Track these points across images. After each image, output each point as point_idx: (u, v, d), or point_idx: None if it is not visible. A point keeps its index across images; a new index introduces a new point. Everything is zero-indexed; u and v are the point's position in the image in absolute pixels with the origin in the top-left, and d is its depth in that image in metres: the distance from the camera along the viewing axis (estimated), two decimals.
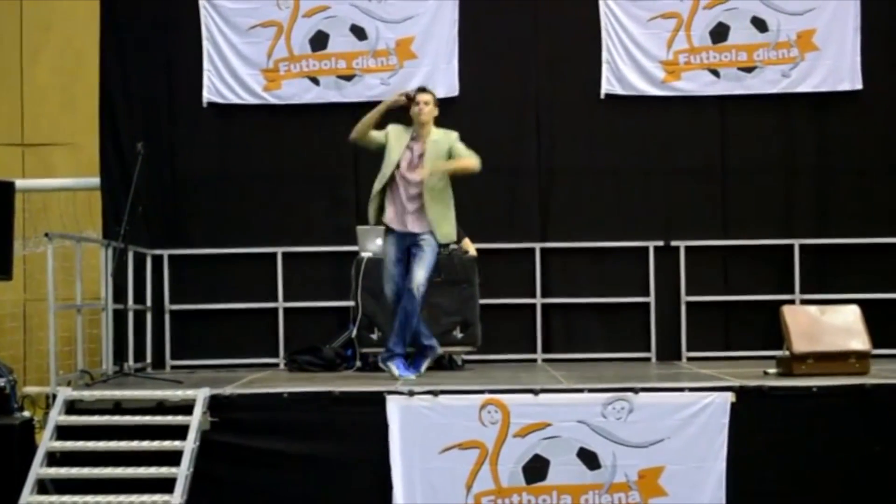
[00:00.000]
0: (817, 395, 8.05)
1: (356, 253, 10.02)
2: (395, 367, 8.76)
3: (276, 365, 10.74)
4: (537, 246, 10.92)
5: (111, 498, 7.55)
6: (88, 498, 7.56)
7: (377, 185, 8.84)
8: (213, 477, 7.92)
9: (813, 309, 8.96)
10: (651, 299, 10.86)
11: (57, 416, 7.98)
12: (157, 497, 7.53)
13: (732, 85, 10.97)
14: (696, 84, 10.98)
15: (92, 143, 11.13)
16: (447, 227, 8.82)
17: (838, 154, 10.98)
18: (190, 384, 8.52)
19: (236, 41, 11.01)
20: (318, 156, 11.03)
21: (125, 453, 7.80)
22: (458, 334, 9.84)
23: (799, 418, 8.01)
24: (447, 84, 10.73)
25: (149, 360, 10.67)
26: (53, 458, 7.86)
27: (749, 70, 10.95)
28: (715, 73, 10.98)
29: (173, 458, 7.71)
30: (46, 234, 8.72)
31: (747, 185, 10.98)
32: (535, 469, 7.96)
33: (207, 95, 11.03)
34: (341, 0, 11.00)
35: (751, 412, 7.98)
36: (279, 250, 10.89)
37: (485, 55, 10.98)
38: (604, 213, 10.97)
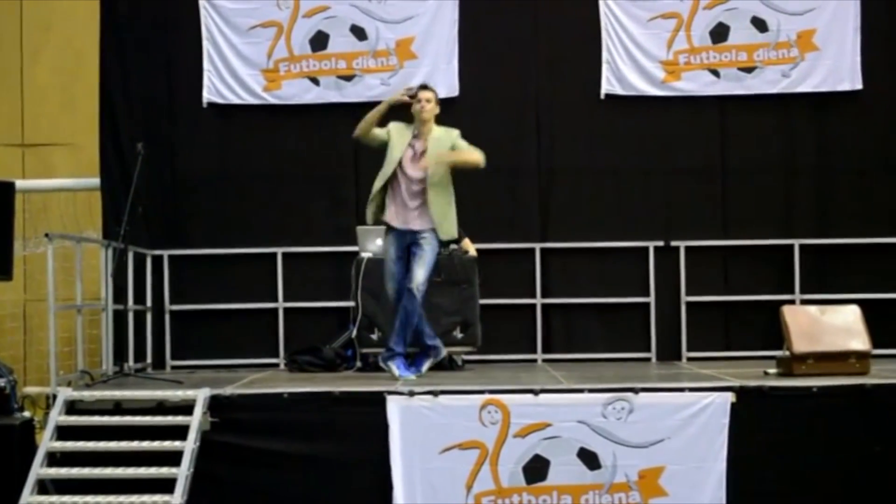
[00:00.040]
0: (817, 396, 8.05)
1: (356, 253, 10.03)
2: (396, 367, 8.77)
3: (277, 365, 10.74)
4: (537, 246, 10.93)
5: (111, 498, 7.55)
6: (89, 498, 7.56)
7: (378, 183, 8.84)
8: (213, 477, 7.92)
9: (813, 309, 8.96)
10: (651, 299, 10.86)
11: (57, 417, 7.98)
12: (157, 497, 7.53)
13: (732, 85, 10.97)
14: (696, 84, 10.98)
15: (92, 143, 11.12)
16: (449, 224, 8.83)
17: (838, 154, 10.98)
18: (190, 384, 8.53)
19: (236, 41, 11.01)
20: (318, 156, 11.03)
21: (125, 453, 7.80)
22: (458, 334, 9.84)
23: (799, 418, 8.01)
24: (447, 84, 10.73)
25: (149, 360, 10.67)
26: (54, 459, 7.86)
27: (749, 70, 10.95)
28: (715, 73, 10.98)
29: (173, 458, 7.71)
30: (46, 235, 8.72)
31: (747, 186, 10.98)
32: (536, 469, 7.96)
33: (207, 95, 11.03)
34: (341, 0, 11.00)
35: (751, 412, 7.98)
36: (279, 250, 10.89)
37: (485, 55, 10.98)
38: (604, 214, 10.97)
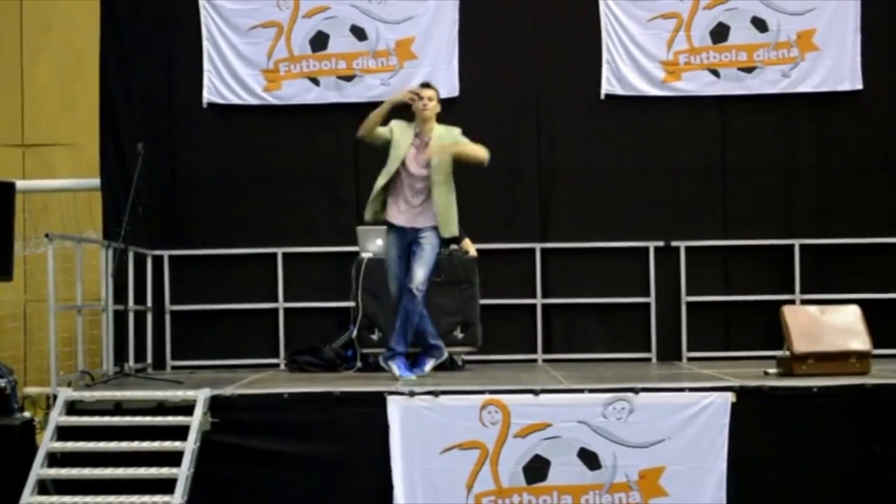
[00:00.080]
0: (818, 396, 8.05)
1: (357, 253, 10.03)
2: (396, 367, 8.77)
3: (277, 365, 10.74)
4: (537, 246, 10.93)
5: (112, 499, 7.55)
6: (89, 499, 7.56)
7: (382, 180, 8.84)
8: (213, 477, 7.91)
9: (813, 309, 8.96)
10: (651, 299, 10.86)
11: (57, 417, 7.97)
12: (157, 498, 7.53)
13: (732, 85, 10.97)
14: (696, 84, 10.98)
15: (92, 143, 11.13)
16: (451, 222, 8.84)
17: (838, 154, 10.98)
18: (190, 385, 8.52)
19: (236, 41, 11.01)
20: (318, 156, 11.03)
21: (126, 454, 7.80)
22: (458, 334, 9.85)
23: (799, 418, 8.01)
24: (447, 84, 10.71)
25: (149, 360, 10.68)
26: (54, 459, 7.86)
27: (749, 70, 10.95)
28: (715, 73, 10.98)
29: (174, 458, 7.70)
30: (47, 235, 8.72)
31: (747, 186, 10.99)
32: (536, 469, 7.96)
33: (207, 96, 11.03)
34: (341, 1, 11.00)
35: (751, 412, 7.98)
36: (279, 251, 10.89)
37: (485, 56, 10.98)
38: (604, 214, 10.97)
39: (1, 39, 11.91)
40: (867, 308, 8.93)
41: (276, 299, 10.89)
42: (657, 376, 9.55)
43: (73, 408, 8.11)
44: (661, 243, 10.90)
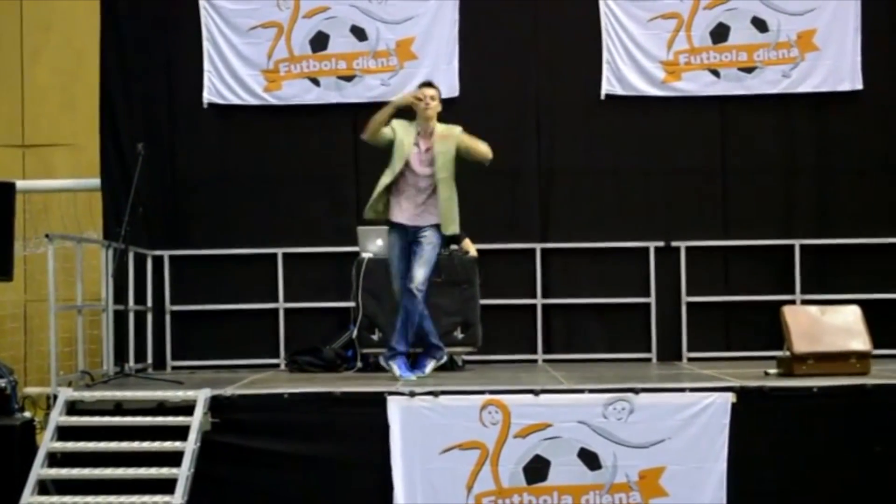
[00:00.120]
0: (818, 396, 8.05)
1: (357, 253, 10.03)
2: (397, 367, 8.78)
3: (277, 366, 10.74)
4: (538, 246, 10.93)
5: (112, 499, 7.55)
6: (89, 499, 7.56)
7: (386, 180, 8.83)
8: (213, 478, 7.91)
9: (813, 309, 8.96)
10: (652, 300, 10.86)
11: (58, 417, 7.98)
12: (157, 498, 7.53)
13: (733, 85, 10.97)
14: (696, 84, 10.98)
15: (92, 143, 11.13)
16: (454, 220, 8.85)
17: (838, 154, 10.98)
18: (191, 385, 8.52)
19: (237, 42, 11.01)
20: (318, 156, 11.03)
21: (126, 454, 7.80)
22: (458, 335, 9.85)
23: (799, 419, 8.01)
24: (447, 85, 10.69)
25: (149, 360, 10.68)
26: (54, 459, 7.86)
27: (749, 70, 10.95)
28: (715, 73, 10.98)
29: (174, 458, 7.70)
30: (47, 235, 8.72)
31: (748, 186, 10.99)
32: (536, 469, 7.96)
33: (208, 96, 11.03)
34: (341, 1, 11.00)
35: (751, 413, 7.98)
36: (280, 251, 10.89)
37: (485, 56, 10.98)
38: (604, 214, 10.97)
39: (1, 39, 11.91)
40: (867, 308, 8.93)
41: (276, 299, 10.89)
42: (657, 376, 9.55)
43: (73, 408, 8.11)
44: (661, 243, 10.90)
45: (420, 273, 8.73)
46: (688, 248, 10.85)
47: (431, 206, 8.84)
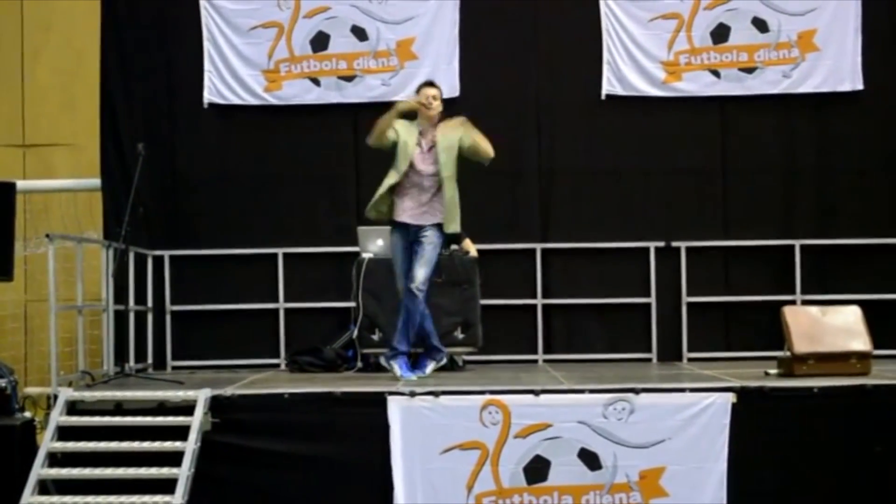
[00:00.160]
0: (818, 396, 8.05)
1: (357, 253, 10.03)
2: (398, 367, 8.78)
3: (277, 366, 10.74)
4: (538, 246, 10.93)
5: (112, 499, 7.55)
6: (90, 499, 7.57)
7: (392, 180, 8.83)
8: (214, 478, 7.91)
9: (814, 309, 8.96)
10: (652, 300, 10.86)
11: (58, 417, 7.98)
12: (158, 498, 7.53)
13: (733, 85, 10.97)
14: (696, 85, 10.98)
15: (93, 143, 11.13)
16: (455, 218, 8.86)
17: (839, 154, 10.98)
18: (191, 385, 8.53)
19: (237, 42, 11.02)
20: (318, 156, 11.03)
21: (126, 454, 7.80)
22: (459, 335, 9.85)
23: (800, 419, 8.01)
24: (448, 85, 10.69)
25: (150, 360, 10.68)
26: (55, 459, 7.86)
27: (750, 71, 10.95)
28: (716, 73, 10.98)
29: (174, 458, 7.71)
30: (47, 235, 8.72)
31: (748, 186, 10.99)
32: (536, 470, 7.96)
33: (208, 96, 11.03)
34: (342, 1, 11.00)
35: (752, 413, 7.98)
36: (280, 251, 10.89)
37: (485, 56, 10.98)
38: (604, 214, 10.97)
39: (1, 39, 11.90)
40: (868, 308, 8.93)
41: (276, 299, 10.89)
42: (658, 377, 9.55)
43: (73, 408, 8.12)
44: (661, 244, 10.89)
45: (421, 273, 8.73)
46: (688, 249, 10.85)
47: (435, 205, 8.85)
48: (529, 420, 7.96)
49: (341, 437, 8.03)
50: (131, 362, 10.04)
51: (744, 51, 10.96)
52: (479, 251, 10.17)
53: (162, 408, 8.08)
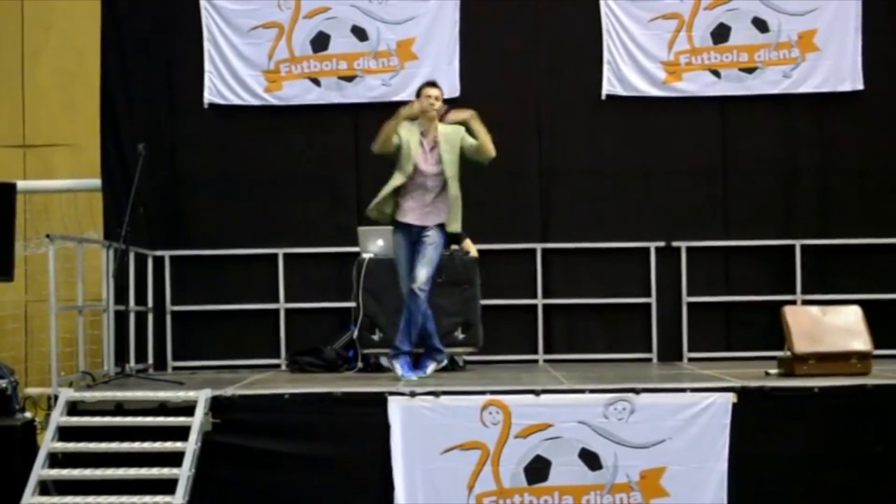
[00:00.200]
0: (819, 396, 8.05)
1: (357, 254, 10.03)
2: (399, 367, 8.78)
3: (278, 366, 10.74)
4: (538, 246, 10.93)
5: (113, 499, 7.56)
6: (90, 499, 7.57)
7: (397, 182, 8.82)
8: (214, 478, 7.91)
9: (814, 309, 8.96)
10: (652, 300, 10.86)
11: (58, 417, 7.97)
12: (158, 498, 7.53)
13: (733, 85, 10.97)
14: (697, 85, 10.98)
15: (93, 144, 11.13)
16: (458, 218, 8.86)
17: (839, 154, 10.98)
18: (191, 385, 8.52)
19: (237, 42, 11.02)
20: (319, 157, 11.04)
21: (127, 454, 7.80)
22: (459, 335, 9.85)
23: (800, 419, 8.01)
24: (448, 85, 10.67)
25: (150, 361, 10.68)
26: (55, 460, 7.86)
27: (750, 71, 10.95)
28: (716, 73, 10.98)
29: (175, 459, 7.71)
30: (48, 236, 8.72)
31: (748, 186, 10.99)
32: (537, 470, 7.96)
33: (208, 96, 11.03)
34: (342, 1, 11.00)
35: (752, 413, 7.97)
36: (280, 251, 10.89)
37: (486, 56, 10.98)
38: (605, 214, 10.97)
39: (1, 39, 11.90)
40: (868, 308, 8.93)
41: (276, 300, 10.89)
42: (658, 377, 9.55)
43: (74, 408, 8.11)
44: (661, 244, 10.90)
45: (423, 273, 8.73)
46: (688, 249, 10.85)
47: (438, 206, 8.86)
48: (530, 420, 7.95)
49: (342, 437, 8.03)
50: (132, 363, 10.04)
51: (744, 51, 10.96)
52: (480, 251, 10.17)
53: (162, 408, 8.08)
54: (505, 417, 7.96)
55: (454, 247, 9.83)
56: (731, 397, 7.98)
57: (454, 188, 8.81)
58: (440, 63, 10.93)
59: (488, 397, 8.01)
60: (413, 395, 8.01)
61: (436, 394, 8.02)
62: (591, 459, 7.95)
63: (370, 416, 7.97)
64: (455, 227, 8.90)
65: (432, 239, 8.82)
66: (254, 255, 10.90)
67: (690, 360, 10.70)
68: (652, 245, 10.87)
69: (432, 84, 9.01)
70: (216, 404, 8.05)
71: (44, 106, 11.84)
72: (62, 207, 11.26)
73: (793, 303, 10.37)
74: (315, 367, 10.02)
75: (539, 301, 10.88)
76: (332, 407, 8.08)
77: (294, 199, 10.97)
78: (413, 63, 10.97)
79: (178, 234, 10.98)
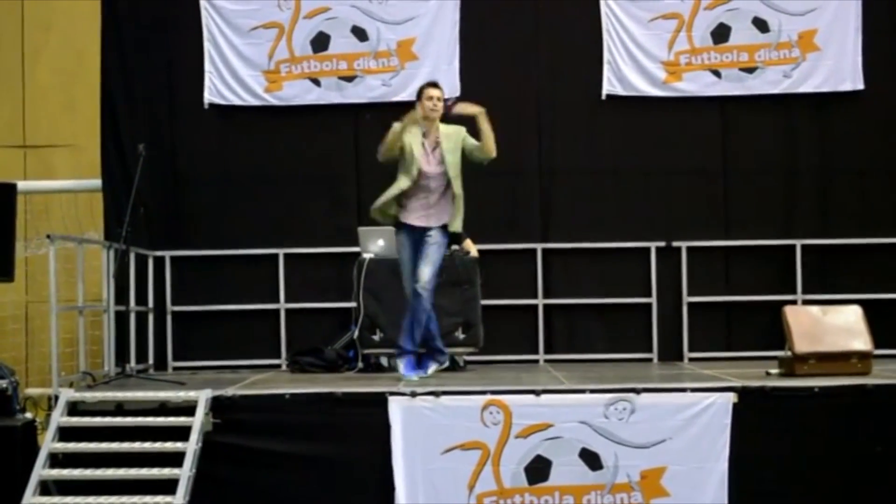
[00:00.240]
0: (819, 396, 8.05)
1: (358, 254, 10.03)
2: (402, 367, 8.80)
3: (279, 366, 10.74)
4: (539, 246, 10.93)
5: (113, 499, 7.56)
6: (91, 499, 7.57)
7: (403, 184, 8.81)
8: (215, 478, 7.91)
9: (815, 309, 8.96)
10: (653, 300, 10.86)
11: (59, 418, 7.98)
12: (159, 498, 7.54)
13: (734, 85, 10.97)
14: (697, 85, 10.98)
15: (93, 144, 11.12)
16: (460, 217, 8.87)
17: (840, 154, 10.98)
18: (192, 385, 8.53)
19: (237, 42, 11.02)
20: (319, 157, 11.03)
21: (127, 454, 7.80)
22: (460, 335, 9.85)
23: (801, 419, 8.01)
24: (448, 85, 10.65)
25: (151, 361, 10.68)
26: (56, 460, 7.86)
27: (750, 71, 10.95)
28: (716, 73, 10.98)
29: (175, 459, 7.71)
30: (48, 236, 8.72)
31: (749, 186, 10.99)
32: (538, 470, 7.96)
33: (209, 96, 11.03)
34: (342, 1, 11.00)
35: (753, 413, 7.97)
36: (281, 251, 10.89)
37: (486, 56, 10.97)
38: (605, 214, 10.97)
39: (1, 39, 11.90)
40: (868, 308, 8.93)
41: (277, 300, 10.89)
42: (658, 376, 9.55)
43: (74, 408, 8.11)
44: (662, 243, 10.90)
45: (426, 273, 8.74)
46: (689, 248, 10.85)
47: (441, 207, 8.87)
48: (530, 420, 7.96)
49: (342, 437, 8.03)
50: (132, 363, 10.04)
51: (744, 51, 10.96)
52: (480, 251, 10.17)
53: (163, 408, 8.08)
54: (505, 417, 7.96)
55: (455, 247, 9.82)
56: (731, 397, 7.98)
57: (457, 188, 8.82)
58: (440, 63, 10.93)
59: (489, 397, 8.01)
60: (413, 395, 8.01)
61: (436, 394, 8.02)
62: (591, 459, 7.95)
63: (371, 416, 7.98)
64: (456, 226, 8.91)
65: (435, 239, 8.83)
66: (254, 255, 10.90)
67: (691, 360, 10.70)
68: (652, 245, 10.87)
69: (433, 85, 9.01)
70: (217, 404, 8.05)
71: (44, 106, 11.85)
72: (62, 208, 11.26)
73: (793, 303, 10.36)
74: (315, 367, 10.02)
75: (539, 301, 10.88)
76: (333, 407, 8.08)
77: (294, 199, 10.97)
78: (413, 63, 10.97)
79: (179, 235, 10.98)
